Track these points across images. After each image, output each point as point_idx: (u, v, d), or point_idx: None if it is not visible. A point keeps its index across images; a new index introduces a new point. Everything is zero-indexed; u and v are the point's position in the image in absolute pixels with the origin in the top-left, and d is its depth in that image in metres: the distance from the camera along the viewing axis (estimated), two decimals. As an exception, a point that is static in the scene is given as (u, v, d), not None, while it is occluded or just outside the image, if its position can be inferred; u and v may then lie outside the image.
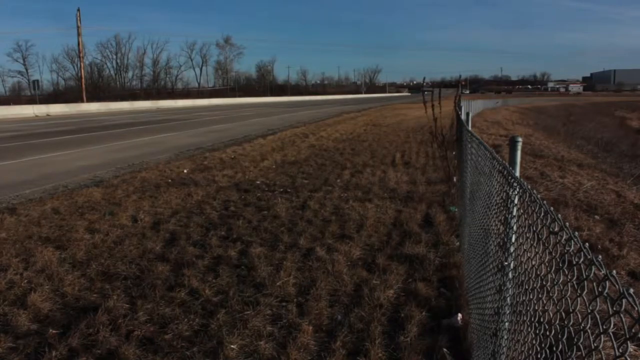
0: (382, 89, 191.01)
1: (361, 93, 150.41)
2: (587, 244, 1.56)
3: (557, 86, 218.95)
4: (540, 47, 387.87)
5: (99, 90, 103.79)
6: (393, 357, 4.33)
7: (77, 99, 71.87)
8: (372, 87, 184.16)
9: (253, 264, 6.36)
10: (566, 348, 1.63)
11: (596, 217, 9.33)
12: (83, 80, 74.06)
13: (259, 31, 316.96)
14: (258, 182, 11.82)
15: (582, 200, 10.53)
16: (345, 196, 10.21)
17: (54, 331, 4.67)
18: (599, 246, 7.68)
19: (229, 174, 12.78)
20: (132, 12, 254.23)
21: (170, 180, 11.91)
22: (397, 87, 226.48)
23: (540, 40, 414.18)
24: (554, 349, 1.73)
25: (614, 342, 1.24)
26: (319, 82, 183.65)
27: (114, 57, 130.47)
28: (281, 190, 10.91)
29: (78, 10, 68.54)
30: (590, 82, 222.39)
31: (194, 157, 16.05)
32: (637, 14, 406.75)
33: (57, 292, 5.53)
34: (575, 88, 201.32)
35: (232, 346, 4.40)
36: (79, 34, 70.24)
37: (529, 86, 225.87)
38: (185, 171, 13.22)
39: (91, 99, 76.68)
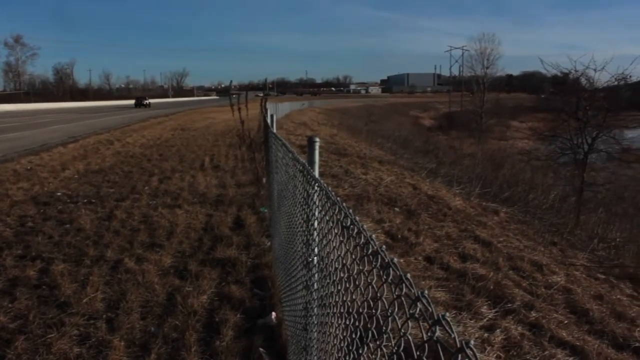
0: (190, 92, 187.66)
1: (168, 97, 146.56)
2: (373, 235, 1.67)
3: (359, 88, 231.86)
4: (342, 51, 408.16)
5: None
6: (210, 362, 4.31)
7: None
8: (179, 90, 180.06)
9: (56, 282, 5.94)
10: (363, 333, 1.73)
11: (396, 209, 10.07)
12: None
13: (56, 31, 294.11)
14: (59, 193, 11.03)
15: (383, 194, 11.29)
16: (154, 203, 9.94)
17: None
18: (400, 235, 8.31)
19: (25, 186, 11.75)
20: None
21: (-47, 198, 10.64)
22: (206, 91, 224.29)
23: (342, 45, 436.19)
24: (354, 335, 1.83)
25: (399, 324, 1.35)
26: (123, 86, 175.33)
27: None
28: (85, 201, 10.30)
29: None
30: (388, 84, 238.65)
31: (-19, 171, 14.49)
32: (427, 24, 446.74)
33: None
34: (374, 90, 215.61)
35: (33, 374, 4.06)
36: None
37: (333, 88, 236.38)
38: (-29, 186, 11.90)
39: None
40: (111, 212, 9.31)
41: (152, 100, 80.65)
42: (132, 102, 78.46)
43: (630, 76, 22.69)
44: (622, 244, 10.60)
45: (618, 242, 10.75)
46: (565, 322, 5.73)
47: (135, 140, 23.12)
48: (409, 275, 1.29)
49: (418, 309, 1.22)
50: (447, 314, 1.10)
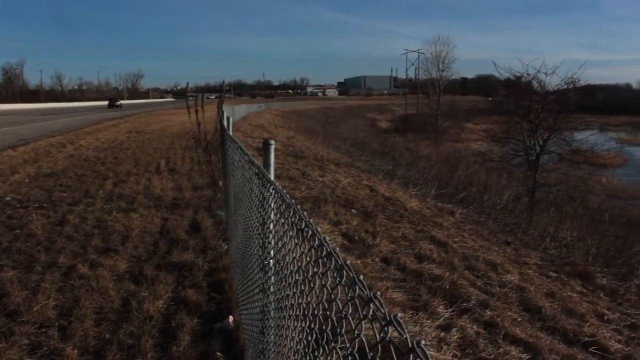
0: (145, 94, 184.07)
1: (123, 99, 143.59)
2: (327, 237, 1.68)
3: (316, 91, 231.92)
4: (299, 53, 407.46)
5: None
6: (166, 369, 4.25)
7: None
8: (135, 92, 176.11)
9: (5, 290, 5.76)
10: (318, 335, 1.74)
11: (353, 211, 10.11)
12: None
13: (4, 29, 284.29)
14: (8, 198, 10.72)
15: (340, 196, 11.32)
16: (109, 207, 9.75)
17: None
18: (357, 237, 8.34)
19: (-28, 191, 11.39)
20: None
21: None
22: (161, 93, 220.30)
23: (299, 47, 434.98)
24: (310, 338, 1.83)
25: (352, 325, 1.35)
26: (77, 87, 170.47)
27: None
28: (36, 205, 10.03)
29: None
30: (345, 87, 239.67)
31: None
32: (384, 27, 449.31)
33: None
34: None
35: (-19, 387, 3.93)
36: None
37: (290, 91, 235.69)
38: None
39: None
40: (64, 216, 9.09)
41: (105, 103, 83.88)
42: (97, 103, 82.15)
43: (578, 80, 23.32)
44: (573, 243, 10.88)
45: (569, 241, 11.02)
46: (519, 319, 5.86)
47: (89, 143, 22.61)
48: (361, 277, 1.31)
49: (371, 310, 1.23)
50: (400, 314, 1.11)
